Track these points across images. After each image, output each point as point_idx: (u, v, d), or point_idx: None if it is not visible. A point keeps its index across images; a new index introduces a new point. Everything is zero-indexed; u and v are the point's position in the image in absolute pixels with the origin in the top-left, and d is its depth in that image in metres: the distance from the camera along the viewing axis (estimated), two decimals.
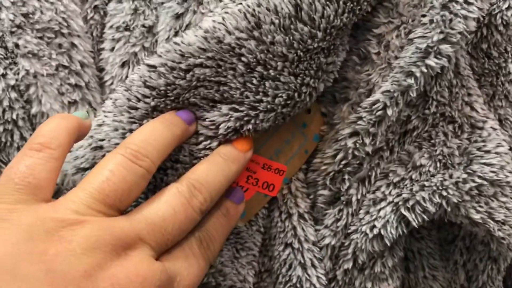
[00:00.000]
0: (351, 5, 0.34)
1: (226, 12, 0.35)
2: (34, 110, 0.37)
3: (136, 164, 0.29)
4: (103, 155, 0.33)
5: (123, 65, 0.39)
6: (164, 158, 0.31)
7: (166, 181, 0.34)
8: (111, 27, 0.39)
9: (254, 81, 0.33)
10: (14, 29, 0.37)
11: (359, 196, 0.39)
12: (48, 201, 0.28)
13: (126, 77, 0.39)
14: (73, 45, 0.38)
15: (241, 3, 0.35)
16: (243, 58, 0.33)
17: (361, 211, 0.39)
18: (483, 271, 0.43)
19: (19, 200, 0.27)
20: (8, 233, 0.25)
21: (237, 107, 0.33)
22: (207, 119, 0.33)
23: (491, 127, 0.39)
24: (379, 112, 0.36)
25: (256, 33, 0.33)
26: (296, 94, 0.34)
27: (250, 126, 0.33)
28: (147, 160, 0.30)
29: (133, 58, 0.39)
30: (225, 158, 0.33)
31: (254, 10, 0.33)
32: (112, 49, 0.39)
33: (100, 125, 0.34)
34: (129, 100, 0.33)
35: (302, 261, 0.38)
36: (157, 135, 0.31)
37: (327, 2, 0.33)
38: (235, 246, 0.37)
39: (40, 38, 0.37)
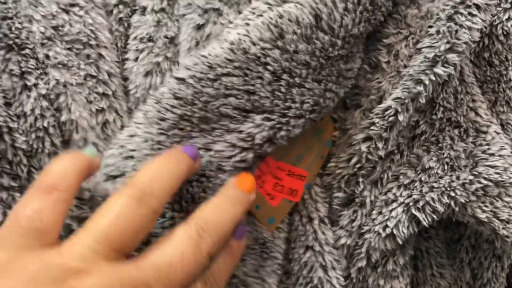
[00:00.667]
0: (367, 15, 0.37)
1: (248, 24, 0.37)
2: (64, 117, 0.39)
3: (143, 206, 0.29)
4: (133, 165, 0.35)
5: (146, 74, 0.41)
6: (171, 196, 0.31)
7: (191, 192, 0.36)
8: (135, 38, 0.41)
9: (282, 89, 0.35)
10: (44, 41, 0.39)
11: (372, 198, 0.41)
12: (54, 243, 0.27)
13: (150, 86, 0.41)
14: (100, 55, 0.40)
15: (261, 15, 0.37)
16: (269, 67, 0.35)
17: (374, 212, 0.41)
18: (487, 268, 0.46)
19: (24, 245, 0.27)
20: (14, 282, 0.25)
21: (268, 116, 0.35)
22: (243, 132, 0.35)
23: (495, 131, 0.42)
24: (391, 118, 0.39)
25: (280, 43, 0.35)
26: (321, 100, 0.36)
27: (283, 133, 0.36)
28: (154, 200, 0.29)
29: (156, 67, 0.41)
30: (232, 200, 0.33)
31: (276, 21, 0.36)
32: (136, 59, 0.41)
33: (131, 136, 0.36)
34: (159, 112, 0.35)
35: (324, 263, 0.40)
36: (164, 172, 0.31)
37: (345, 12, 0.36)
38: (261, 255, 0.38)
39: (69, 49, 0.39)
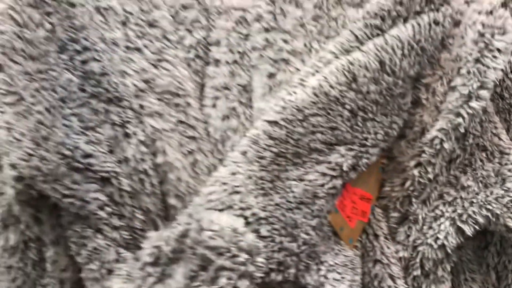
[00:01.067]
0: (418, 58, 0.44)
1: (317, 72, 0.44)
2: (159, 160, 0.43)
3: None
4: (240, 199, 0.40)
5: (223, 118, 0.46)
6: None
7: (294, 218, 0.41)
8: (211, 87, 0.47)
9: (359, 124, 0.42)
10: (138, 93, 0.44)
11: (423, 215, 0.48)
12: None
13: (227, 128, 0.46)
14: (188, 103, 0.45)
15: (329, 63, 0.44)
16: (346, 106, 0.42)
17: (424, 227, 0.48)
18: (511, 270, 0.53)
19: None
20: None
21: (351, 146, 0.42)
22: (331, 162, 0.41)
23: None
24: (438, 146, 0.46)
25: (354, 85, 0.42)
26: (389, 130, 0.43)
27: (365, 160, 0.42)
28: None
29: (232, 112, 0.46)
30: None
31: (349, 67, 0.42)
32: (214, 105, 0.47)
33: (233, 174, 0.41)
34: (257, 151, 0.41)
35: (392, 273, 0.46)
36: None
37: (403, 57, 0.43)
38: (352, 271, 0.44)
39: (160, 99, 0.44)
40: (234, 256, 0.37)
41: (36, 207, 0.44)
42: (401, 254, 0.48)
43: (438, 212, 0.48)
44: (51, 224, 0.46)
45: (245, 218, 0.40)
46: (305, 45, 0.47)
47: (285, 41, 0.47)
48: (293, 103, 0.42)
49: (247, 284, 0.37)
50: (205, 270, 0.37)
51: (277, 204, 0.41)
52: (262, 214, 0.40)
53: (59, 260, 0.48)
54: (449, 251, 0.47)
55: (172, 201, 0.44)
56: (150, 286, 0.38)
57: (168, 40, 0.46)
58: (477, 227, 0.48)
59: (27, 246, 0.50)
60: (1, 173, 0.48)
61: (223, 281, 0.37)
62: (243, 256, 0.37)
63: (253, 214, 0.40)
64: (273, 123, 0.41)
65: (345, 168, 0.42)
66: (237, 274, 0.37)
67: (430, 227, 0.48)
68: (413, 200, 0.48)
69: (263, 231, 0.40)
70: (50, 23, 0.44)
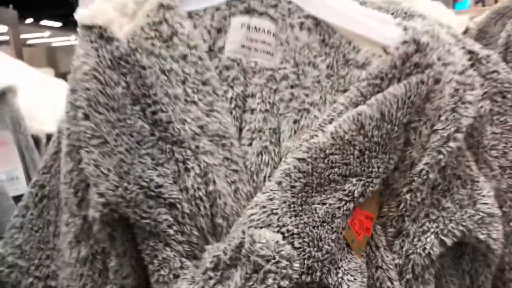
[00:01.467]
0: (409, 110, 0.58)
1: (333, 120, 0.57)
2: (210, 188, 0.56)
3: None
4: (278, 219, 0.53)
5: (258, 154, 0.59)
6: None
7: (319, 233, 0.53)
8: (248, 130, 0.59)
9: (366, 160, 0.55)
10: (194, 136, 0.56)
11: (413, 230, 0.61)
12: None
13: (261, 162, 0.59)
14: (231, 144, 0.58)
15: (341, 113, 0.57)
16: (356, 147, 0.55)
17: (415, 240, 0.61)
18: (481, 273, 0.67)
19: None
20: None
21: (360, 178, 0.55)
22: (345, 190, 0.54)
23: (482, 180, 0.64)
24: (424, 176, 0.60)
25: (362, 131, 0.55)
26: (388, 165, 0.56)
27: (370, 188, 0.55)
28: None
29: (264, 149, 0.59)
30: None
31: (358, 117, 0.56)
32: (250, 144, 0.59)
33: (271, 199, 0.54)
34: (290, 182, 0.54)
35: (390, 276, 0.59)
36: None
37: (397, 109, 0.57)
38: (361, 275, 0.57)
39: (211, 141, 0.57)
40: (278, 262, 0.50)
41: (112, 226, 0.56)
42: (396, 261, 0.60)
43: (425, 228, 0.61)
44: (121, 240, 0.58)
45: (282, 233, 0.53)
46: (320, 97, 0.60)
47: (306, 95, 0.60)
48: (316, 145, 0.55)
49: (287, 283, 0.50)
50: (257, 273, 0.49)
51: (305, 223, 0.53)
52: (295, 231, 0.53)
53: (121, 269, 0.60)
54: (434, 258, 0.60)
55: (219, 221, 0.56)
56: (212, 286, 0.50)
57: (216, 94, 0.58)
58: (455, 239, 0.61)
59: (94, 258, 0.61)
60: (77, 199, 0.60)
61: (270, 281, 0.49)
62: (284, 262, 0.50)
63: (288, 231, 0.53)
64: (302, 160, 0.54)
65: (356, 195, 0.55)
66: (280, 276, 0.50)
67: (419, 240, 0.61)
68: (406, 218, 0.61)
69: (296, 243, 0.53)
70: (125, 81, 0.56)
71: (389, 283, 0.59)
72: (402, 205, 0.60)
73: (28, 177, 0.93)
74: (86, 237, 0.60)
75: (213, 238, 0.56)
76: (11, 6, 1.61)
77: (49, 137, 1.06)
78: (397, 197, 0.61)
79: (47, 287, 0.74)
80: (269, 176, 0.59)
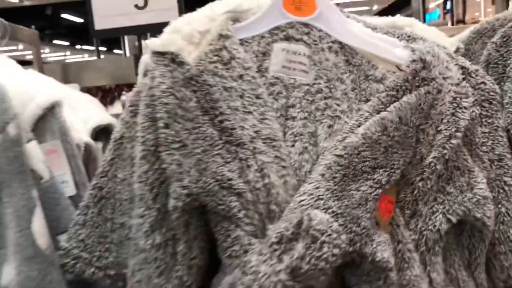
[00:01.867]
0: (420, 114, 0.73)
1: (361, 124, 0.71)
2: (266, 181, 0.69)
3: None
4: (324, 203, 0.67)
5: (299, 154, 0.73)
6: None
7: (356, 213, 0.68)
8: (291, 134, 0.74)
9: (389, 155, 0.70)
10: (252, 140, 0.70)
11: (425, 211, 0.76)
12: None
13: (302, 160, 0.73)
14: (280, 145, 0.71)
15: (367, 118, 0.72)
16: (382, 144, 0.69)
17: (426, 219, 0.76)
18: (477, 247, 0.82)
19: None
20: None
21: (385, 169, 0.69)
22: (375, 179, 0.69)
23: (477, 170, 0.79)
24: (433, 168, 0.74)
25: (385, 132, 0.70)
26: (406, 159, 0.71)
27: (393, 177, 0.70)
28: None
29: (305, 150, 0.73)
30: None
31: (382, 121, 0.70)
32: (292, 145, 0.73)
33: (317, 188, 0.68)
34: (331, 174, 0.68)
35: (409, 248, 0.73)
36: None
37: (411, 114, 0.71)
38: (388, 247, 0.70)
39: (265, 143, 0.70)
40: (330, 235, 0.64)
41: (190, 214, 0.69)
42: (413, 237, 0.75)
43: (434, 209, 0.76)
44: (195, 225, 0.71)
45: (329, 214, 0.67)
46: (348, 106, 0.75)
47: (337, 104, 0.74)
48: (350, 144, 0.69)
49: (338, 251, 0.64)
50: (314, 243, 0.63)
51: (346, 205, 0.68)
52: (339, 211, 0.67)
53: (190, 252, 0.73)
54: (442, 234, 0.75)
55: (273, 207, 0.70)
56: (279, 255, 0.64)
57: (267, 106, 0.72)
58: (458, 218, 0.76)
59: (166, 244, 0.74)
60: (152, 194, 0.73)
61: (325, 249, 0.63)
62: (334, 235, 0.64)
63: (333, 211, 0.67)
64: (340, 156, 0.69)
65: (383, 182, 0.69)
66: (332, 245, 0.63)
67: (430, 219, 0.76)
68: (419, 202, 0.75)
69: (340, 221, 0.67)
70: (196, 97, 0.70)
71: (408, 254, 0.73)
72: (415, 191, 0.75)
73: (74, 182, 1.05)
74: (159, 226, 0.73)
75: (268, 221, 0.70)
76: (33, 26, 1.72)
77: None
78: (411, 185, 0.76)
79: (106, 276, 0.86)
80: (309, 171, 0.73)
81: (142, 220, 0.74)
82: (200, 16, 0.75)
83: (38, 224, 0.83)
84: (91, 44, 10.58)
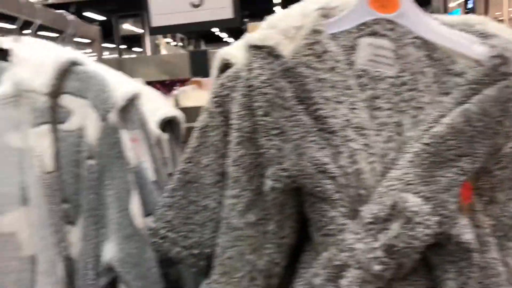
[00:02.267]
0: (500, 107, 0.77)
1: (445, 115, 0.76)
2: (355, 167, 0.74)
3: None
4: (414, 188, 0.72)
5: (385, 142, 0.78)
6: None
7: (444, 198, 0.73)
8: (377, 123, 0.78)
9: (473, 144, 0.74)
10: (343, 128, 0.75)
11: (502, 199, 0.80)
12: None
13: (387, 149, 0.78)
14: (368, 134, 0.76)
15: (451, 110, 0.76)
16: (466, 134, 0.74)
17: (502, 206, 0.80)
18: None
19: None
20: None
21: (470, 157, 0.74)
22: (460, 167, 0.73)
23: None
24: (510, 157, 0.79)
25: (468, 123, 0.74)
26: (488, 148, 0.75)
27: (476, 165, 0.74)
28: None
29: (390, 138, 0.78)
30: None
31: (465, 113, 0.75)
32: (378, 134, 0.78)
33: (406, 173, 0.72)
34: (421, 160, 0.73)
35: (486, 233, 0.77)
36: None
37: (491, 106, 0.76)
38: (469, 229, 0.75)
39: (354, 131, 0.76)
40: (422, 216, 0.69)
41: (286, 194, 0.75)
42: (489, 222, 0.80)
43: (510, 196, 0.81)
44: (290, 205, 0.76)
45: (419, 198, 0.72)
46: (430, 98, 0.80)
47: (421, 96, 0.79)
48: (437, 133, 0.74)
49: (429, 231, 0.69)
50: (409, 223, 0.68)
51: (434, 190, 0.72)
52: (428, 195, 0.72)
53: (281, 231, 0.79)
54: None
55: (362, 191, 0.75)
56: (374, 235, 0.69)
57: (356, 96, 0.77)
58: None
59: (259, 223, 0.80)
60: (247, 176, 0.79)
61: (418, 230, 0.68)
62: (426, 216, 0.69)
63: (423, 195, 0.72)
64: (427, 144, 0.73)
65: (467, 170, 0.74)
66: (424, 226, 0.68)
67: (506, 206, 0.80)
68: (496, 189, 0.80)
69: (430, 204, 0.71)
70: (292, 87, 0.75)
71: (486, 238, 0.78)
72: (493, 180, 0.80)
73: (153, 169, 1.12)
74: (254, 206, 0.79)
75: (358, 204, 0.75)
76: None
77: None
78: (488, 173, 0.80)
79: (190, 255, 0.92)
80: (394, 159, 0.77)
81: (237, 200, 0.80)
82: (293, 13, 0.80)
83: (135, 206, 0.89)
84: (112, 42, 10.77)
